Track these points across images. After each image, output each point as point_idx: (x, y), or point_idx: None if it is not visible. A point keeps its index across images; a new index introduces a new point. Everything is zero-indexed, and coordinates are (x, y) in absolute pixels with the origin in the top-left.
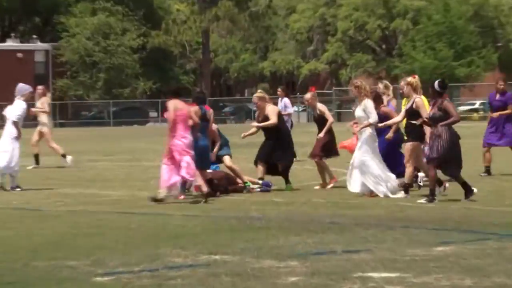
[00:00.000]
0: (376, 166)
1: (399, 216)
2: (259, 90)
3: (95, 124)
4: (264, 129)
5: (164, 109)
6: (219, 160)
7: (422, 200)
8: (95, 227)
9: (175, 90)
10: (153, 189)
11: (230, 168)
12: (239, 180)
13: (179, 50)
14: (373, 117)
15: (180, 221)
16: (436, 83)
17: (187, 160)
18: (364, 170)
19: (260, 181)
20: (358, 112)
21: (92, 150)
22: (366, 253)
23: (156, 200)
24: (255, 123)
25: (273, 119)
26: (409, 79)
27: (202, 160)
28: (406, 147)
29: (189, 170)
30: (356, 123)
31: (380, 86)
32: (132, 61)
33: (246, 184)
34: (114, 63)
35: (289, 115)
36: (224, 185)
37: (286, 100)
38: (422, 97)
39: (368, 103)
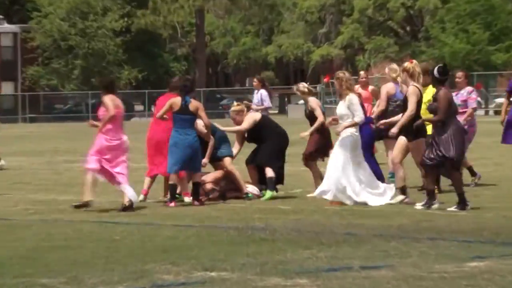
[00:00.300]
0: (341, 173)
1: (426, 226)
2: (235, 103)
3: (71, 118)
4: (248, 136)
5: (99, 105)
6: (217, 159)
7: (453, 208)
8: (72, 239)
9: (110, 84)
10: (138, 194)
11: (230, 173)
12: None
13: (169, 32)
14: (359, 115)
15: (171, 232)
16: (435, 69)
17: (122, 160)
18: (329, 174)
19: (264, 186)
20: (341, 109)
21: (68, 149)
22: (387, 269)
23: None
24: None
25: (242, 125)
26: (405, 64)
27: (192, 160)
28: (411, 147)
29: (123, 173)
30: (335, 119)
31: (386, 70)
32: (115, 45)
33: (249, 196)
34: (93, 48)
35: (265, 109)
36: (222, 189)
37: (263, 92)
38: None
39: (354, 98)
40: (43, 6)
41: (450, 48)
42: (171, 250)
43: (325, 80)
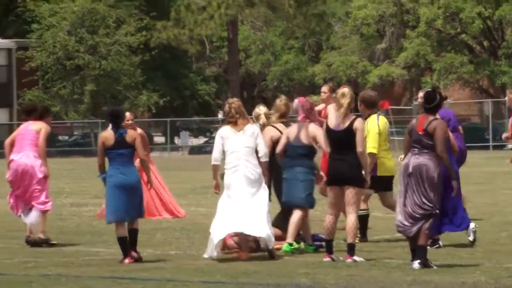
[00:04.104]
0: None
1: (508, 284)
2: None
3: (78, 153)
4: None
5: None
6: None
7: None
8: None
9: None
10: (159, 245)
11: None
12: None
13: (196, 48)
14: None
15: None
16: (423, 93)
17: None
18: None
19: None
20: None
21: (74, 189)
22: None
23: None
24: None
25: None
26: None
27: (134, 205)
28: None
29: None
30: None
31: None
32: (131, 65)
33: (293, 248)
34: (105, 68)
35: None
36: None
37: None
38: None
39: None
40: (43, 17)
41: None
42: None
43: (384, 106)
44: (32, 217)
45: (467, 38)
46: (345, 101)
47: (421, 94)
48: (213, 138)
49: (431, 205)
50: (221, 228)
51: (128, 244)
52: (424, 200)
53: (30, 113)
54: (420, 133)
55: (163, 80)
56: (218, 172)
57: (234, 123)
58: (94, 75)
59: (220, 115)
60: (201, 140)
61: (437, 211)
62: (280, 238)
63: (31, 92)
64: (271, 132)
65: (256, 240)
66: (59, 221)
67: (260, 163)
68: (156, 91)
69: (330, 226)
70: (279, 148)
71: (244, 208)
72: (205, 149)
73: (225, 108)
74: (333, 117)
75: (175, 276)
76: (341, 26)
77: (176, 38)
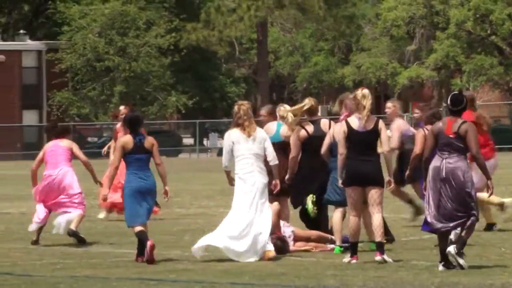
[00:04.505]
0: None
1: None
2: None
3: (107, 154)
4: None
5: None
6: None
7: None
8: None
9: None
10: (187, 246)
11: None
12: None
13: (226, 50)
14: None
15: None
16: (449, 97)
17: None
18: None
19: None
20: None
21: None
22: None
23: None
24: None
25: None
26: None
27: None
28: None
29: None
30: None
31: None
32: (160, 66)
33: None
34: (134, 70)
35: None
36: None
37: None
38: None
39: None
40: (73, 19)
41: None
42: None
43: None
44: (72, 215)
45: (497, 40)
46: (368, 103)
47: (389, 104)
48: None
49: (469, 207)
50: (218, 236)
51: (140, 247)
52: (461, 203)
53: (59, 133)
54: (450, 136)
55: (192, 81)
56: (230, 175)
57: (241, 126)
58: (123, 76)
59: None
60: None
61: (475, 211)
62: (309, 240)
63: (61, 93)
64: (299, 131)
65: (282, 240)
66: (87, 222)
67: (269, 166)
68: (186, 92)
69: (356, 227)
70: (324, 148)
71: (250, 219)
72: None
73: (234, 109)
74: (355, 119)
75: (203, 278)
76: (371, 28)
77: (205, 39)
